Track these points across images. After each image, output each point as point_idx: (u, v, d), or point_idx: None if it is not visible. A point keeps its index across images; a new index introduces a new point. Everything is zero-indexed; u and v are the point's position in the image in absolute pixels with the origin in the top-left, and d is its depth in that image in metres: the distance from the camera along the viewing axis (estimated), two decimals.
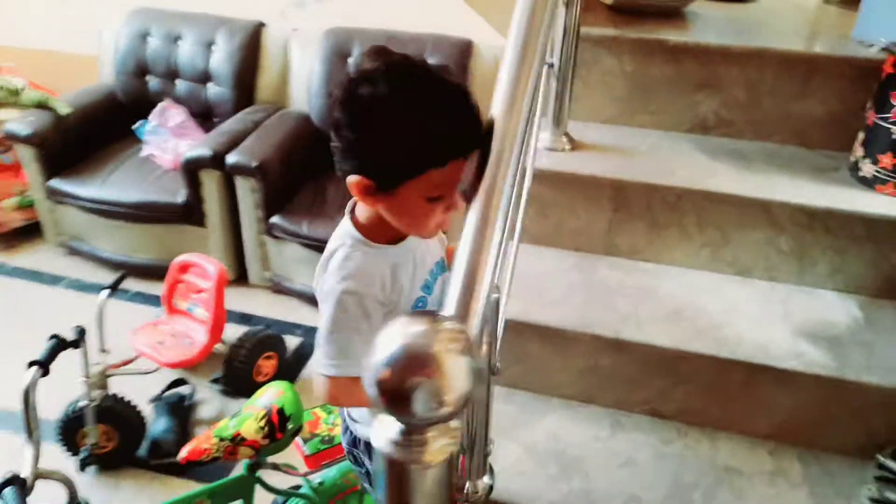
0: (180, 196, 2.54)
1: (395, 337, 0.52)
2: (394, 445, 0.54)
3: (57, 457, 1.87)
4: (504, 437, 1.35)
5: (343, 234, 0.91)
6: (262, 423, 1.31)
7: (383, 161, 0.81)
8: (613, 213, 1.48)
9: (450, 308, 0.62)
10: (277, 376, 2.22)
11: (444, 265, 1.02)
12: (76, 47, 3.17)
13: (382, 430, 0.55)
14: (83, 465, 1.77)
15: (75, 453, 1.84)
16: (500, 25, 1.67)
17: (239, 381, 2.15)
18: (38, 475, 1.01)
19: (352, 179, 0.83)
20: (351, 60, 2.70)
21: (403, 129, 0.79)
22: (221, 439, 1.31)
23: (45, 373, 1.07)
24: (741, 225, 1.43)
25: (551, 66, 1.47)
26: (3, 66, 3.11)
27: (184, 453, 1.29)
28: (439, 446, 0.54)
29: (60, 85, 3.15)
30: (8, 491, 0.93)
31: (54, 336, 1.15)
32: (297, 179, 2.63)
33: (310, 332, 2.46)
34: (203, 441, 1.31)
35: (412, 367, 0.51)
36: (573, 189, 1.48)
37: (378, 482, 0.57)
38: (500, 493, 1.24)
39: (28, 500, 1.06)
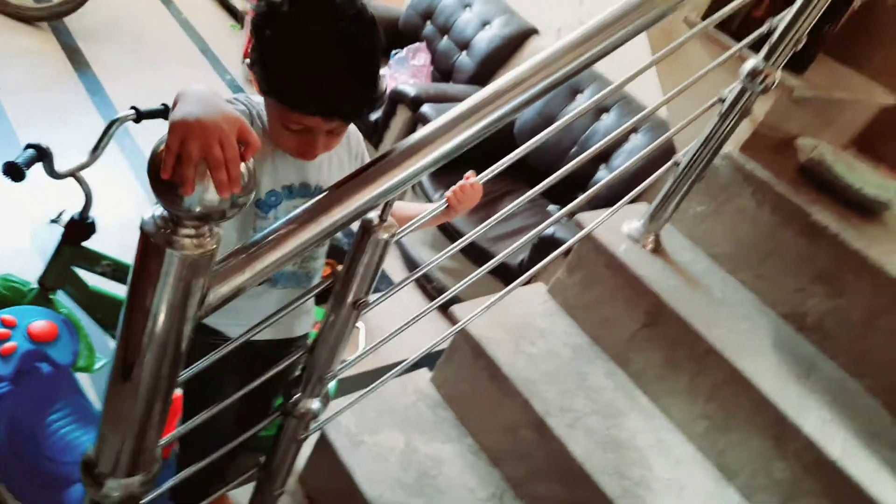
0: (374, 116, 2.83)
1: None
2: (154, 225, 0.63)
3: None
4: (399, 429, 1.36)
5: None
6: None
7: None
8: (641, 327, 1.39)
9: None
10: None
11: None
12: None
13: (150, 211, 0.63)
14: None
15: None
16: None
17: None
18: (72, 174, 1.26)
19: None
20: (579, 97, 2.77)
21: None
22: None
23: (137, 121, 1.32)
24: (749, 423, 1.26)
25: (677, 164, 1.41)
26: None
27: None
28: (189, 242, 0.62)
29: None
30: (28, 150, 1.17)
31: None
32: None
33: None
34: None
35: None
36: (620, 282, 1.42)
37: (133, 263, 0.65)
38: (344, 450, 1.27)
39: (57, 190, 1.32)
